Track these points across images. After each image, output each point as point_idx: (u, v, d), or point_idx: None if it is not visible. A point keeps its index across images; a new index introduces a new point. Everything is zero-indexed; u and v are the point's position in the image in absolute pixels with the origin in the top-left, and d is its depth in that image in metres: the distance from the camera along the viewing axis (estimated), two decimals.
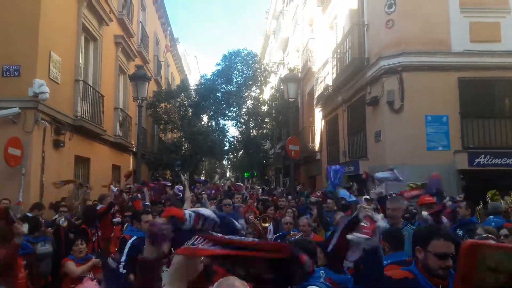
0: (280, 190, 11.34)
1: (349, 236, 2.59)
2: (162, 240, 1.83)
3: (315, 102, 16.81)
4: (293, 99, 12.22)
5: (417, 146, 9.91)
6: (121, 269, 4.77)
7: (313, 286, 2.96)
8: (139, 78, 11.57)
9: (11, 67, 9.29)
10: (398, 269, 2.92)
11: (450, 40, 10.21)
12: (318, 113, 17.46)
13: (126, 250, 4.88)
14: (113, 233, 7.37)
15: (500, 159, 9.66)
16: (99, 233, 7.35)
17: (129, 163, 17.61)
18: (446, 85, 10.05)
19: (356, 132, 12.59)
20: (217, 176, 50.22)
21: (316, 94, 16.34)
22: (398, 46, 10.18)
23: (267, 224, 7.15)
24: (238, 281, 1.82)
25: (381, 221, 2.56)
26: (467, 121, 10.16)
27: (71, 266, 5.04)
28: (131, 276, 4.83)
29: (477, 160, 9.77)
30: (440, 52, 10.09)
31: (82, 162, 12.38)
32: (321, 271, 3.35)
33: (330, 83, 13.99)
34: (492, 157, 9.73)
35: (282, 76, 18.32)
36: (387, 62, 10.28)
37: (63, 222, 6.96)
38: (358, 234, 2.55)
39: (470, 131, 10.13)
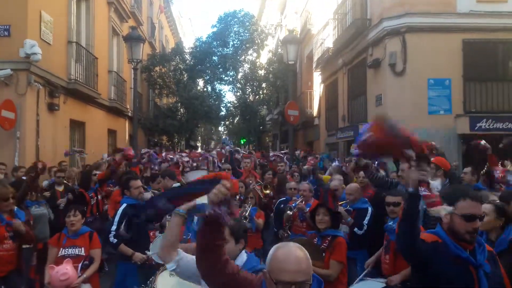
0: (278, 154, 11.18)
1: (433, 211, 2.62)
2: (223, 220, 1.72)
3: (314, 65, 16.49)
4: (293, 62, 11.90)
5: (419, 110, 9.77)
6: (111, 239, 4.64)
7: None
8: (133, 39, 11.20)
9: (1, 27, 8.96)
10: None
11: (455, 0, 9.88)
12: (317, 77, 17.17)
13: (116, 219, 4.73)
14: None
15: (502, 123, 9.56)
16: (99, 196, 7.26)
17: (124, 127, 17.39)
18: (450, 47, 9.81)
19: (356, 96, 12.40)
20: (213, 143, 50.09)
21: (316, 57, 16.00)
22: (402, 7, 9.84)
23: (268, 191, 7.03)
24: (298, 247, 1.69)
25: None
26: (469, 84, 9.99)
27: (50, 253, 4.34)
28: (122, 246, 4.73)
29: (478, 125, 9.67)
30: (445, 13, 9.78)
31: (77, 126, 12.17)
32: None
33: (331, 45, 13.66)
34: (494, 121, 9.62)
35: (280, 39, 17.86)
36: (390, 23, 9.97)
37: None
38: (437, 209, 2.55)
39: (473, 95, 9.99)
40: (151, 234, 4.99)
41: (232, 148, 10.90)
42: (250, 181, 7.40)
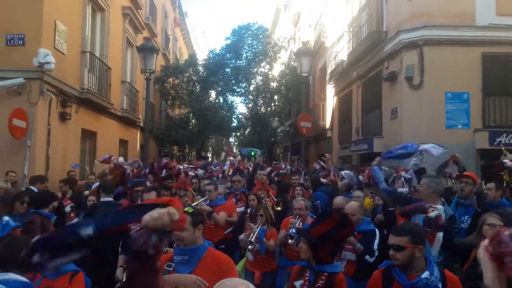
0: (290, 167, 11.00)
1: None
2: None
3: (327, 78, 16.32)
4: (306, 74, 11.76)
5: (436, 124, 9.49)
6: None
7: None
8: (147, 49, 11.20)
9: (15, 35, 8.97)
10: None
11: (474, 13, 9.64)
12: (330, 90, 16.98)
13: None
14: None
15: None
16: None
17: (136, 138, 17.37)
18: (469, 61, 9.55)
19: (370, 109, 12.16)
20: (223, 154, 50.05)
21: (329, 70, 15.84)
22: (419, 19, 9.65)
23: (279, 208, 6.64)
24: (242, 283, 1.59)
25: None
26: (489, 98, 9.68)
27: None
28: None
29: (498, 139, 9.33)
30: (463, 26, 9.54)
31: (88, 135, 12.14)
32: None
33: (345, 58, 13.49)
34: None
35: (293, 51, 17.80)
36: (407, 35, 9.76)
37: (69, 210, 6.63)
38: None
39: (492, 109, 9.68)
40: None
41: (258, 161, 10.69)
42: (262, 195, 7.09)
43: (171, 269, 2.73)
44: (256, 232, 4.78)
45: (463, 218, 4.67)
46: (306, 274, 3.30)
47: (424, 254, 2.87)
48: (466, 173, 4.82)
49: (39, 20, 9.07)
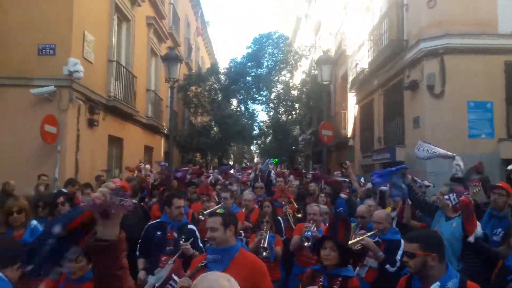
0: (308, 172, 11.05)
1: None
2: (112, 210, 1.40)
3: (349, 86, 16.35)
4: (327, 82, 11.86)
5: (459, 133, 9.44)
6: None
7: None
8: (171, 59, 11.47)
9: (47, 46, 9.38)
10: None
11: (497, 21, 9.61)
12: (351, 98, 17.01)
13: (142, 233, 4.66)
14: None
15: None
16: None
17: (160, 144, 17.75)
18: (491, 69, 9.51)
19: (392, 118, 12.14)
20: (245, 161, 50.22)
21: (350, 78, 15.88)
22: (440, 27, 9.65)
23: (300, 215, 6.44)
24: (223, 277, 1.58)
25: None
26: None
27: None
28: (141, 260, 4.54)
29: None
30: (485, 34, 9.51)
31: (115, 141, 12.50)
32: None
33: (366, 66, 13.53)
34: None
35: (314, 59, 17.90)
36: (428, 44, 9.77)
37: None
38: None
39: None
40: (163, 259, 4.30)
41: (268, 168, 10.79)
42: (283, 202, 7.16)
43: (204, 265, 2.88)
44: (267, 238, 4.65)
45: (495, 231, 4.49)
46: (320, 280, 3.33)
47: (443, 263, 2.68)
48: (500, 184, 4.74)
49: (69, 31, 9.46)
